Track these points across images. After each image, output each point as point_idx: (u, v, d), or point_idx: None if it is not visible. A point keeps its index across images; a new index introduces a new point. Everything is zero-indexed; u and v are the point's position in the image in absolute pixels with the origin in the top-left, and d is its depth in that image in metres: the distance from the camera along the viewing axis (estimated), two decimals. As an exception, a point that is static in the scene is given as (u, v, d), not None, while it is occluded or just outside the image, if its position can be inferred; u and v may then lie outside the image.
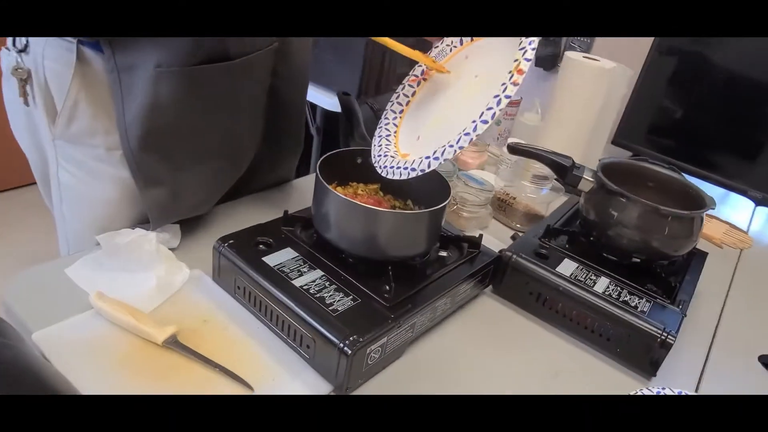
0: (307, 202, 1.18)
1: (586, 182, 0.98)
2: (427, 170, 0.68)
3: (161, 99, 0.74)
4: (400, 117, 0.82)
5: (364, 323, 0.69)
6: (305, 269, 0.77)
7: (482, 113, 0.64)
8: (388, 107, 0.84)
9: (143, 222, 0.87)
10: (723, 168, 1.62)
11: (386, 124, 0.82)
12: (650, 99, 1.67)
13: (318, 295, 0.72)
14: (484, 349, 0.85)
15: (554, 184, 1.20)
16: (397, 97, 0.84)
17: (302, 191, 1.17)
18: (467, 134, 0.65)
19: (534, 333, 0.90)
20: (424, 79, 0.85)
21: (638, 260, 0.95)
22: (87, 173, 0.82)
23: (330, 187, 0.76)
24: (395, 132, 0.81)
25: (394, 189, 0.94)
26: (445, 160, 0.67)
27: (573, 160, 1.02)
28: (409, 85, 0.83)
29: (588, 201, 0.99)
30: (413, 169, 0.70)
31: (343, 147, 1.56)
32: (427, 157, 0.69)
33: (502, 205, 1.20)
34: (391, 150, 0.78)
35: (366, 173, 0.92)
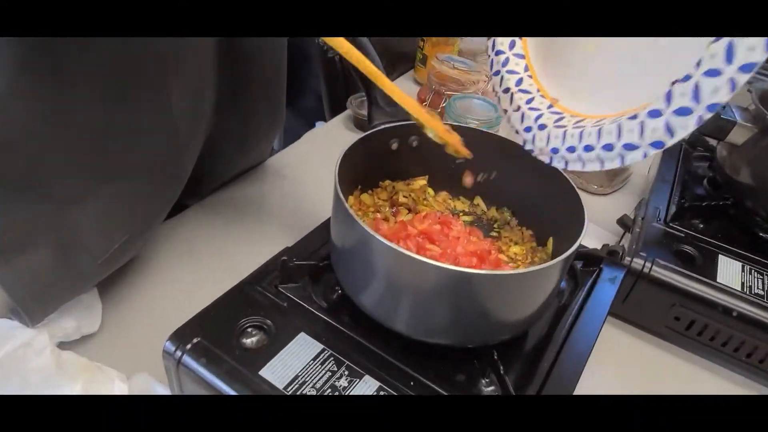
0: (293, 198, 0.79)
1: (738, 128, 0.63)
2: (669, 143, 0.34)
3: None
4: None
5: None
6: (343, 381, 0.41)
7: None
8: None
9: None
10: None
11: (505, 62, 0.44)
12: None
13: (384, 448, 0.37)
14: None
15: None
16: None
17: (280, 177, 0.78)
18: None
19: (689, 376, 0.59)
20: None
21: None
22: None
23: (367, 228, 0.38)
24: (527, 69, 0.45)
25: (446, 181, 0.57)
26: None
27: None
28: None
29: (739, 155, 0.64)
30: (631, 148, 0.36)
31: (330, 109, 1.13)
32: (655, 115, 0.34)
33: (572, 161, 0.84)
34: (544, 105, 0.43)
35: (402, 162, 0.54)
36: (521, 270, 0.37)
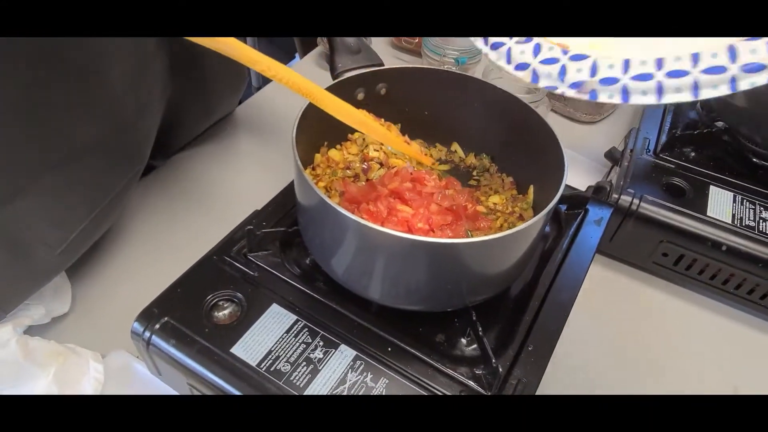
0: (264, 150, 0.72)
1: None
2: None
3: None
4: None
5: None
6: (318, 352, 0.40)
7: None
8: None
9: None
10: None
11: None
12: None
13: (362, 421, 0.37)
14: (618, 352, 0.54)
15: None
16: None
17: (250, 128, 0.74)
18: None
19: (677, 311, 0.58)
20: None
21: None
22: None
23: (327, 199, 0.36)
24: None
25: (420, 128, 0.53)
26: None
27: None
28: None
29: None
30: (755, 69, 0.31)
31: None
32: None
33: (559, 89, 0.79)
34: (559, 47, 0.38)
35: (371, 112, 0.50)
36: (491, 236, 0.34)
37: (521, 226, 0.35)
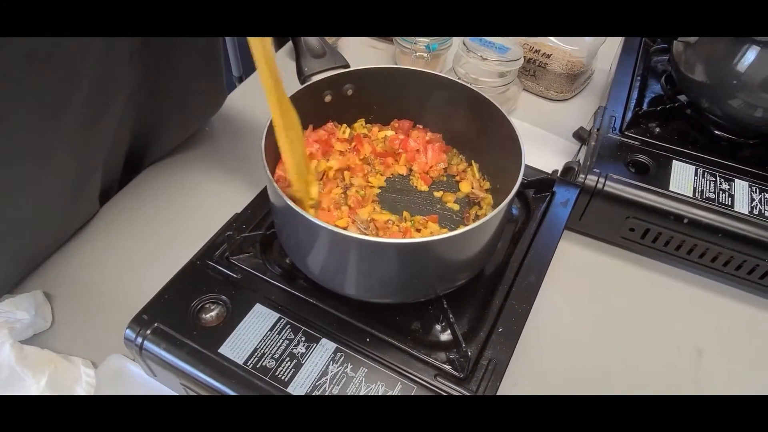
0: (242, 151, 0.71)
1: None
2: None
3: None
4: None
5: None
6: (301, 347, 0.43)
7: None
8: None
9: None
10: None
11: None
12: None
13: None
14: (585, 320, 0.57)
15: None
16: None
17: (229, 130, 0.74)
18: None
19: (645, 281, 0.61)
20: None
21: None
22: None
23: (297, 207, 0.38)
24: None
25: (386, 122, 0.55)
26: None
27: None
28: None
29: (694, 52, 0.62)
30: None
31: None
32: None
33: (530, 69, 0.81)
34: None
35: (339, 114, 0.52)
36: (450, 234, 0.36)
37: (476, 223, 0.37)
